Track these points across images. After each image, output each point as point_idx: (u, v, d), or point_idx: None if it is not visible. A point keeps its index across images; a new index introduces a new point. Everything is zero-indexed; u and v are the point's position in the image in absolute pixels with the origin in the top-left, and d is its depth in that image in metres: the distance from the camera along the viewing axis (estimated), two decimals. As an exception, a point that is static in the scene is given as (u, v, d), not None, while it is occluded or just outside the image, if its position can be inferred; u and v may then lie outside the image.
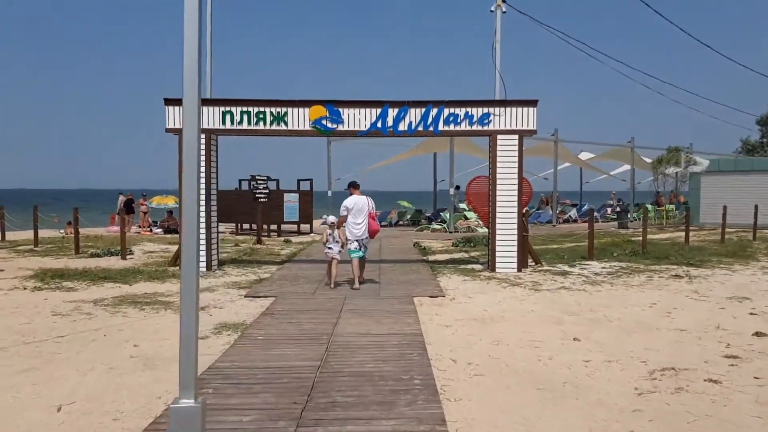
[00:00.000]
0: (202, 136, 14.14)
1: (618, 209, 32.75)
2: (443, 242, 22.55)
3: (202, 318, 9.32)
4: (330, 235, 12.04)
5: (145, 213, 29.60)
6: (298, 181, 28.10)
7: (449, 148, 29.39)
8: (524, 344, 7.99)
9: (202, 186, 14.18)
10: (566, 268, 14.95)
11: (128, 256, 17.27)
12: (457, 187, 29.18)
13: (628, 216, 31.88)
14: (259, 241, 20.79)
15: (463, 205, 35.34)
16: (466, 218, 29.96)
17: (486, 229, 29.05)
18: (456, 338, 8.24)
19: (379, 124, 14.08)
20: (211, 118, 14.10)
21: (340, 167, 37.97)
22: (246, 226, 28.41)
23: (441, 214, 31.48)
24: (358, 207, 11.76)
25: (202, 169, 14.16)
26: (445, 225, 28.21)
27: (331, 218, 12.36)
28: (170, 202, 29.72)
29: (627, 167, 44.01)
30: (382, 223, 33.03)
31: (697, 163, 33.18)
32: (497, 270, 14.16)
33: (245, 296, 11.10)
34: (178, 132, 14.10)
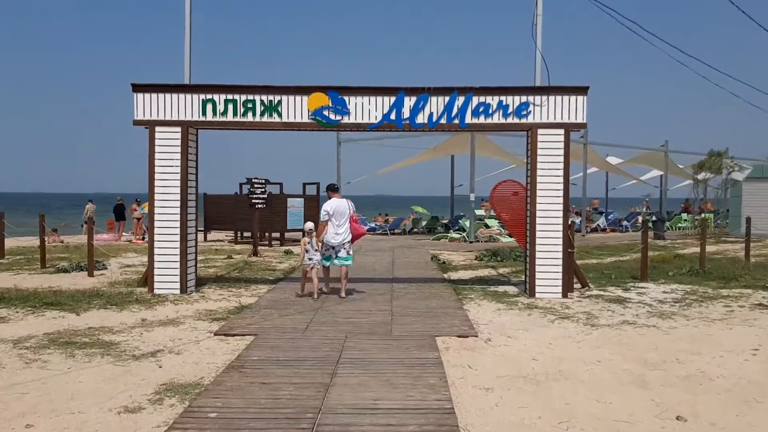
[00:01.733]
0: (177, 129, 11.61)
1: (653, 218, 29.93)
2: (464, 255, 19.90)
3: (146, 372, 6.77)
4: (309, 243, 11.17)
5: (138, 220, 27.16)
6: (304, 184, 25.58)
7: (470, 149, 26.77)
8: (606, 426, 5.36)
9: (175, 188, 11.65)
10: (620, 292, 12.27)
11: (100, 272, 14.80)
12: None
13: (665, 226, 29.06)
14: (255, 253, 18.25)
15: (480, 212, 32.76)
16: (488, 226, 27.30)
17: (510, 238, 26.52)
18: (503, 414, 5.61)
19: (392, 116, 11.49)
20: (189, 107, 11.57)
21: (349, 170, 35.45)
22: (248, 234, 25.88)
23: (459, 221, 28.82)
24: (340, 211, 11.20)
25: (176, 168, 11.63)
26: (464, 234, 25.56)
27: (309, 225, 11.51)
28: None
29: (657, 172, 41.21)
30: (395, 231, 30.47)
31: (741, 169, 30.40)
32: (537, 295, 11.51)
33: (215, 334, 8.53)
34: (148, 124, 11.59)
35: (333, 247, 11.19)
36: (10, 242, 20.78)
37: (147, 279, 11.85)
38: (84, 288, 12.27)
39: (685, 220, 34.62)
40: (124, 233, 27.68)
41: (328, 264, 11.37)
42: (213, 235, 27.09)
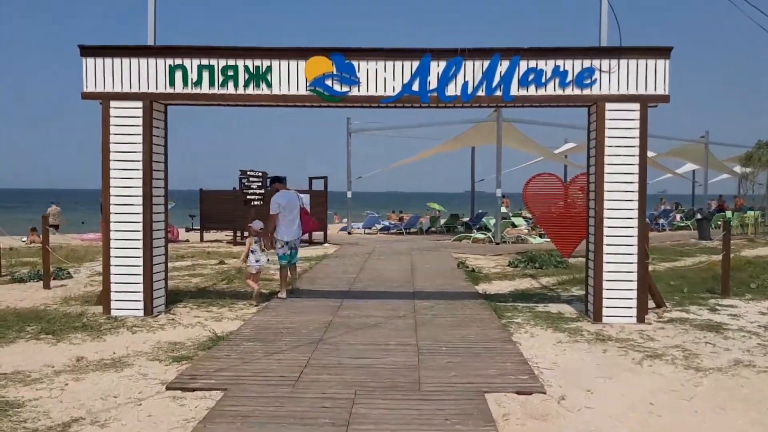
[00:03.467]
0: (138, 104, 9.03)
1: (698, 216, 27.14)
2: (493, 259, 17.24)
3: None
4: (257, 243, 10.29)
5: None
6: (310, 179, 23.04)
7: (494, 139, 24.08)
8: None
9: (135, 180, 9.08)
10: (707, 314, 9.59)
11: (61, 282, 12.31)
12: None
13: (711, 224, 26.21)
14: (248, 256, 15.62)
15: (502, 209, 30.06)
16: (514, 225, 24.60)
17: (540, 239, 23.84)
18: None
19: (415, 86, 8.85)
20: (153, 76, 8.99)
21: (360, 163, 32.87)
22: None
23: (483, 219, 26.14)
24: (291, 204, 10.61)
25: (137, 154, 9.06)
26: (489, 234, 22.88)
27: (258, 223, 10.50)
28: None
29: (692, 166, 38.30)
30: (411, 230, 27.88)
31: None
32: (605, 319, 8.83)
33: (168, 387, 5.94)
34: (101, 98, 9.03)
35: (288, 243, 10.60)
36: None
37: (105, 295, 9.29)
38: (28, 306, 9.76)
39: (727, 218, 31.65)
40: None
41: (285, 263, 10.68)
42: (211, 234, 24.57)
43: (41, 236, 21.71)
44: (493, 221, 24.19)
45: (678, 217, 32.73)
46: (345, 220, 30.23)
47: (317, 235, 22.29)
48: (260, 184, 15.97)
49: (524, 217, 28.36)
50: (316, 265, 15.34)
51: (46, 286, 11.59)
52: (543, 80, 8.78)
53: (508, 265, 15.54)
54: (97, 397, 5.68)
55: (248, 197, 15.82)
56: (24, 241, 22.30)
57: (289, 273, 11.13)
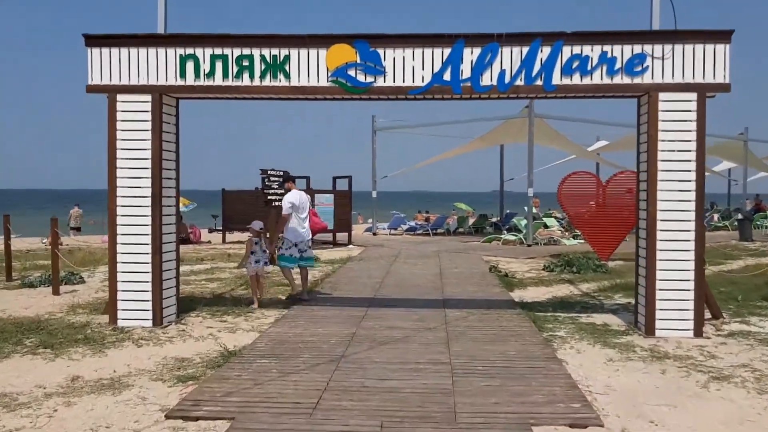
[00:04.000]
0: (146, 98, 8.36)
1: (738, 216, 25.95)
2: (527, 263, 16.36)
3: None
4: (257, 244, 9.98)
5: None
6: (334, 178, 22.33)
7: (526, 136, 23.17)
8: None
9: (144, 180, 8.40)
10: (771, 325, 8.66)
11: (73, 287, 11.73)
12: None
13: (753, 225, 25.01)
14: (272, 260, 14.93)
15: (534, 210, 29.12)
16: (546, 226, 23.66)
17: (574, 241, 22.87)
18: None
19: (446, 76, 8.05)
20: (162, 67, 8.31)
21: (385, 162, 32.05)
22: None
23: (513, 220, 25.22)
24: (303, 204, 10.24)
25: (146, 151, 8.39)
26: (521, 236, 21.96)
27: (258, 224, 10.15)
28: (186, 203, 24.26)
29: (727, 164, 36.94)
30: (438, 231, 27.07)
31: None
32: (658, 332, 7.94)
33: (168, 415, 5.21)
34: (108, 91, 8.37)
35: (297, 245, 10.18)
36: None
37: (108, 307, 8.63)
38: (31, 315, 9.15)
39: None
40: None
41: (293, 266, 10.34)
42: (234, 236, 23.98)
43: (62, 237, 21.38)
44: (524, 222, 23.28)
45: (716, 217, 31.45)
46: (370, 220, 29.48)
47: (341, 236, 21.58)
48: (281, 183, 15.24)
49: (556, 217, 27.40)
50: (339, 269, 14.60)
51: (55, 292, 11.00)
52: (589, 68, 7.92)
53: (543, 269, 14.65)
54: (87, 427, 4.98)
55: (269, 197, 15.13)
56: (44, 243, 21.90)
57: (298, 276, 10.64)
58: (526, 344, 7.43)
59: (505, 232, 23.55)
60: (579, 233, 23.55)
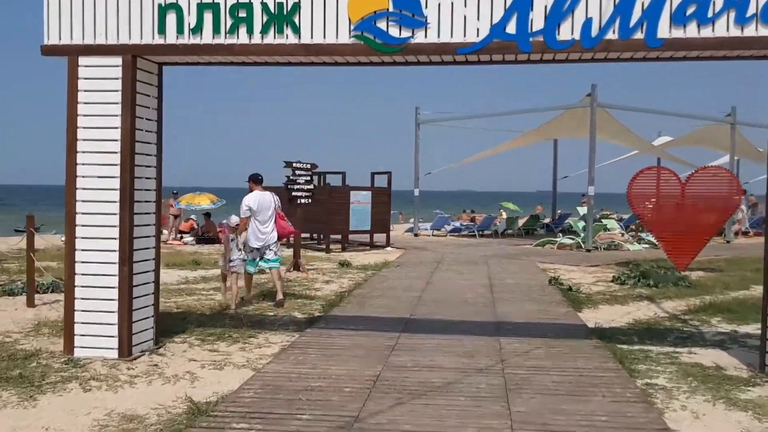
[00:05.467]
0: (116, 61, 6.44)
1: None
2: (591, 272, 14.09)
3: None
4: (232, 241, 9.33)
5: (176, 217, 22.58)
6: (373, 174, 20.30)
7: (583, 130, 20.79)
8: None
9: (111, 169, 6.49)
10: None
11: (59, 296, 9.94)
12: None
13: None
14: (296, 266, 13.01)
15: (582, 209, 26.68)
16: (606, 229, 21.22)
17: (639, 246, 20.38)
18: None
19: (510, 27, 5.92)
20: (136, 21, 6.38)
21: (430, 158, 29.90)
22: (306, 234, 20.87)
23: (569, 221, 22.85)
24: (264, 205, 9.49)
25: (114, 131, 6.47)
26: (578, 239, 19.59)
27: (235, 219, 9.45)
28: (204, 202, 22.55)
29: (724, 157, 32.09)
30: (485, 232, 24.86)
31: None
32: (805, 386, 5.69)
33: None
34: (67, 52, 6.49)
35: (258, 249, 9.61)
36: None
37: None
38: (-20, 335, 7.34)
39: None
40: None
41: (253, 270, 9.80)
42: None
43: (61, 236, 20.01)
44: (581, 224, 20.89)
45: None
46: (411, 220, 27.40)
47: (379, 237, 19.55)
48: (309, 178, 13.31)
49: (615, 219, 24.93)
50: (372, 278, 12.56)
51: (30, 304, 9.22)
52: (709, 15, 5.70)
53: (613, 282, 12.37)
54: None
55: (293, 194, 13.16)
56: (63, 240, 20.45)
57: (270, 283, 9.87)
58: (618, 401, 5.26)
59: (560, 235, 21.19)
60: (643, 237, 21.11)
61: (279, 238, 9.83)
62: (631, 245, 19.56)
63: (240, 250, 9.39)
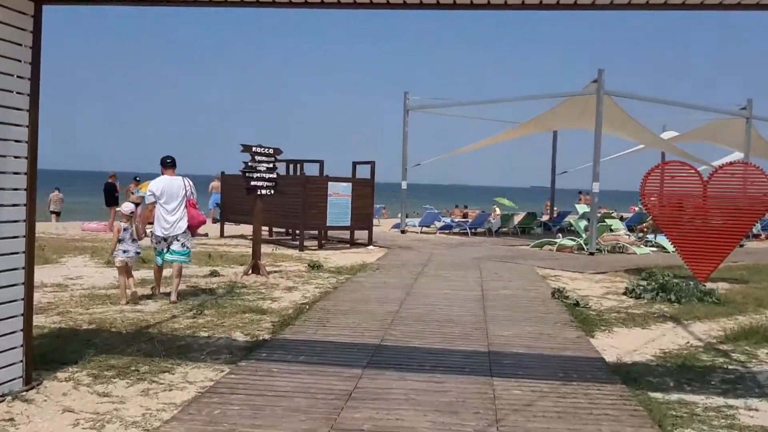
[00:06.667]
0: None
1: None
2: (597, 280, 12.34)
3: None
4: (126, 230, 8.67)
5: (137, 205, 20.57)
6: (354, 164, 18.46)
7: (585, 120, 19.04)
8: None
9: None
10: None
11: None
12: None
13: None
14: (255, 269, 11.17)
15: (582, 207, 24.93)
16: (611, 230, 19.46)
17: (646, 249, 18.51)
18: None
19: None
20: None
21: (419, 149, 28.04)
22: (280, 228, 19.02)
23: (571, 221, 21.10)
24: (171, 191, 8.91)
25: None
26: (580, 241, 17.80)
27: (128, 206, 8.99)
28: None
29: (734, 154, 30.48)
30: (478, 230, 23.09)
31: None
32: None
33: None
34: None
35: (164, 239, 8.97)
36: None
37: None
38: None
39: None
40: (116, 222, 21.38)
41: (160, 262, 9.14)
42: (238, 227, 20.23)
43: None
44: (582, 223, 19.13)
45: None
46: (400, 215, 25.57)
47: (361, 234, 17.73)
48: (271, 165, 11.41)
49: (621, 219, 23.25)
50: (344, 284, 10.73)
51: None
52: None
53: (625, 294, 10.60)
54: None
55: (252, 184, 11.25)
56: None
57: (170, 274, 9.08)
58: None
59: (560, 235, 19.40)
60: (651, 240, 19.37)
61: (191, 229, 9.15)
62: (638, 248, 17.80)
63: (135, 240, 8.75)
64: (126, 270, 8.61)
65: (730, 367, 6.50)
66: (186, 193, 9.06)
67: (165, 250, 9.00)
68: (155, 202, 8.89)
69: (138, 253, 8.89)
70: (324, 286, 10.40)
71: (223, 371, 5.69)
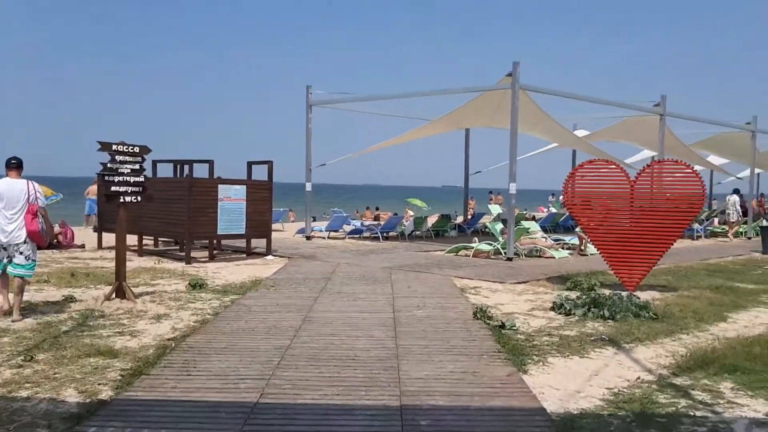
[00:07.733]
0: None
1: (764, 222, 21.37)
2: (520, 291, 11.10)
3: None
4: None
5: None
6: (249, 164, 16.61)
7: (497, 118, 17.97)
8: None
9: None
10: None
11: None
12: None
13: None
14: (119, 292, 9.23)
15: (495, 208, 24.04)
16: (528, 233, 18.44)
17: (564, 252, 17.48)
18: None
19: None
20: None
21: (325, 148, 26.36)
22: (168, 239, 16.95)
23: (487, 224, 20.01)
24: (11, 195, 8.05)
25: None
26: (497, 245, 16.64)
27: None
28: (47, 194, 18.18)
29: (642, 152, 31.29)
30: (390, 233, 21.66)
31: None
32: None
33: None
34: None
35: (4, 248, 8.07)
36: None
37: None
38: None
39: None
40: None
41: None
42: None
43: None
44: (498, 226, 18.04)
45: (716, 221, 26.90)
46: (305, 219, 23.81)
47: (258, 242, 15.95)
48: (138, 167, 9.48)
49: (534, 219, 22.40)
50: (228, 308, 8.97)
51: None
52: None
53: (553, 309, 9.35)
54: None
55: (113, 189, 9.26)
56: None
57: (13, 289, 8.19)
58: None
59: (475, 239, 18.21)
60: (570, 243, 18.51)
61: (30, 235, 8.14)
62: (555, 252, 16.83)
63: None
64: None
65: (697, 413, 5.23)
66: (29, 198, 8.12)
67: (5, 260, 8.14)
68: None
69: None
70: (203, 312, 8.62)
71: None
